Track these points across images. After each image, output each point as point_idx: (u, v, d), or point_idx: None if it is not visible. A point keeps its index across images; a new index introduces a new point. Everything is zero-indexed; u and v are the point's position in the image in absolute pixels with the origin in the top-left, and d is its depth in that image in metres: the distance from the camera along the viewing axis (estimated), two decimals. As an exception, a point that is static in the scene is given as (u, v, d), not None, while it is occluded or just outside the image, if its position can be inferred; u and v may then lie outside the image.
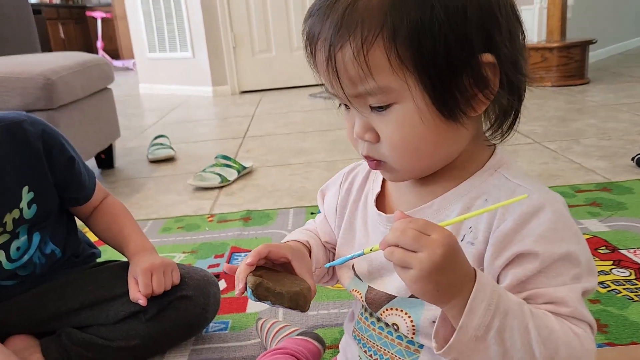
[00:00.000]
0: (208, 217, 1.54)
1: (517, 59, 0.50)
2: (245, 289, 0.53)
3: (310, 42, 0.50)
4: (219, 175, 1.83)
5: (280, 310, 1.01)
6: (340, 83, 0.48)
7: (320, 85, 0.53)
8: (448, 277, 0.43)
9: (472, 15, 0.46)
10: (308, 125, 2.71)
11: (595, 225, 1.26)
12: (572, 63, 3.14)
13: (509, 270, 0.48)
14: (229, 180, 1.84)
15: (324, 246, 0.67)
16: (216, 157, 1.94)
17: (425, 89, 0.47)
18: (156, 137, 2.40)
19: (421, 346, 0.54)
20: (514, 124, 0.53)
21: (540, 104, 2.73)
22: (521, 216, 0.48)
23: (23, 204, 0.83)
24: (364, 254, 0.50)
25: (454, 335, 0.44)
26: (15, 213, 0.82)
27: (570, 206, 1.33)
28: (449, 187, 0.53)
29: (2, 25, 2.35)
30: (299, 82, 4.00)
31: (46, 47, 4.81)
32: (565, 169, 1.72)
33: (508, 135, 0.54)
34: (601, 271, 1.05)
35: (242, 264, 0.55)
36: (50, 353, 0.85)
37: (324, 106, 3.23)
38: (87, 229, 0.99)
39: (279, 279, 0.55)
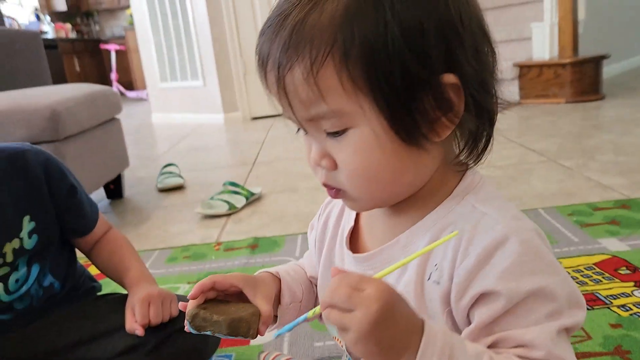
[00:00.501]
0: (215, 246, 1.52)
1: (485, 78, 0.46)
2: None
3: (261, 63, 0.46)
4: (227, 202, 1.81)
5: (285, 343, 0.97)
6: (291, 106, 0.45)
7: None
8: (390, 332, 0.38)
9: (430, 31, 0.42)
10: (318, 149, 2.69)
11: (615, 245, 1.21)
12: (586, 79, 3.09)
13: (475, 311, 0.44)
14: (237, 208, 1.81)
15: (310, 281, 0.63)
16: (224, 184, 1.92)
17: (381, 112, 0.43)
18: (165, 166, 2.39)
19: None
20: (486, 147, 0.49)
21: (554, 120, 2.68)
22: (484, 250, 0.44)
23: (24, 234, 0.81)
24: (308, 319, 0.45)
25: None
26: (16, 243, 0.81)
27: (587, 225, 1.30)
28: (416, 219, 0.50)
29: (14, 60, 2.38)
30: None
31: (62, 81, 4.89)
32: (582, 187, 1.67)
33: (482, 158, 0.49)
34: (622, 293, 1.00)
35: (190, 304, 0.53)
36: (48, 393, 0.82)
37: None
38: (88, 263, 0.96)
39: (224, 308, 0.53)
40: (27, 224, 0.82)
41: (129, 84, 7.93)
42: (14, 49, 2.39)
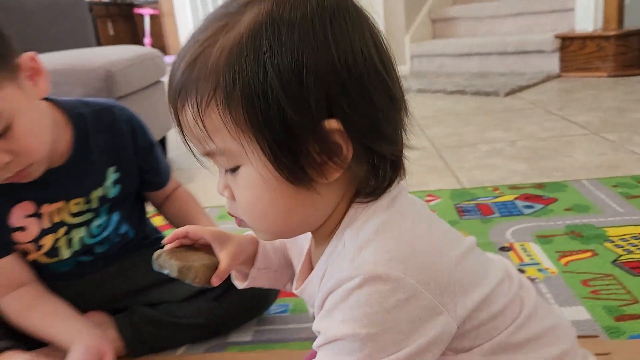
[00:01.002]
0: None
1: (378, 123, 0.45)
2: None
3: (168, 101, 0.48)
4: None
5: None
6: (188, 142, 0.48)
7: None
8: None
9: (310, 80, 0.42)
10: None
11: (661, 217, 1.22)
12: (630, 52, 3.02)
13: None
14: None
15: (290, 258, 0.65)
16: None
17: (264, 154, 0.44)
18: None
19: None
20: (390, 184, 0.49)
21: (596, 94, 2.64)
22: (324, 291, 0.47)
23: (108, 183, 0.88)
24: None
25: None
26: (101, 191, 0.87)
27: (632, 197, 1.31)
28: (321, 251, 0.51)
29: (60, 22, 2.44)
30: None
31: (97, 45, 4.95)
32: (625, 160, 1.66)
33: (389, 187, 0.49)
34: (670, 262, 1.02)
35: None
36: (124, 329, 0.88)
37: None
38: (152, 216, 1.02)
39: (187, 255, 0.60)
40: (112, 175, 0.88)
41: (162, 49, 7.98)
42: (59, 12, 2.45)
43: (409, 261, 0.45)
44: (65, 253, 0.88)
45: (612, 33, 2.99)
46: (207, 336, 0.92)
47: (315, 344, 0.48)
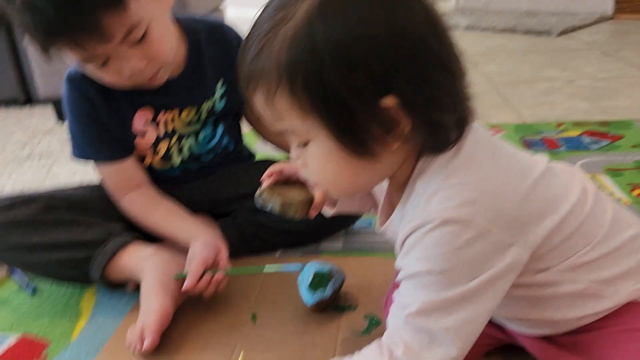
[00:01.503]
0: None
1: (434, 96, 0.48)
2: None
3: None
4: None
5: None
6: (265, 120, 0.53)
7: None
8: None
9: (364, 63, 0.45)
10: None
11: None
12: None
13: None
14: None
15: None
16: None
17: (330, 131, 0.49)
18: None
19: None
20: (461, 135, 0.51)
21: (653, 37, 2.59)
22: (404, 232, 0.52)
23: (216, 96, 0.94)
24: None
25: None
26: (210, 103, 0.94)
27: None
28: (398, 198, 0.56)
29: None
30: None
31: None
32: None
33: (455, 143, 0.51)
34: None
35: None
36: (228, 231, 0.96)
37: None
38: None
39: (287, 191, 0.66)
40: (220, 88, 0.94)
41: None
42: None
43: (476, 203, 0.49)
44: (177, 159, 0.95)
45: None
46: (302, 242, 1.00)
47: (398, 278, 0.54)
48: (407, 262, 0.52)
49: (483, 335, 0.53)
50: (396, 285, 0.55)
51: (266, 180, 0.68)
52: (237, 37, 0.95)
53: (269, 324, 0.81)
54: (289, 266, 0.84)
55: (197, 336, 0.80)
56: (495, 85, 2.00)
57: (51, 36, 0.72)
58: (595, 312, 0.57)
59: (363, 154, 0.50)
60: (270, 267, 0.85)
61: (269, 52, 0.48)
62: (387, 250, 0.98)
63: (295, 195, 0.66)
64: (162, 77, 0.84)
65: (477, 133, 0.54)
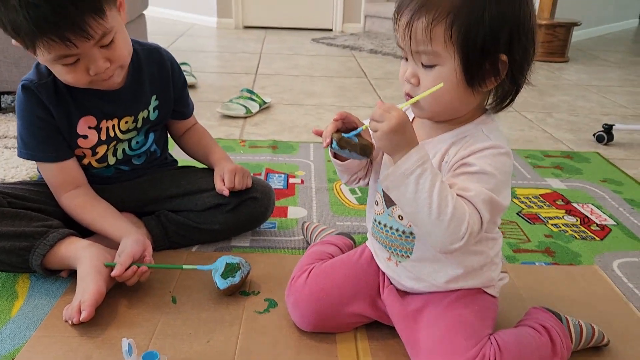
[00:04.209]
0: (240, 142, 1.82)
1: (524, 65, 0.74)
2: (331, 142, 0.76)
3: (399, 9, 0.73)
4: (244, 106, 2.08)
5: (314, 219, 1.31)
6: (410, 40, 0.72)
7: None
8: (398, 138, 0.69)
9: (506, 27, 0.70)
10: (314, 70, 2.95)
11: (557, 184, 1.60)
12: (556, 41, 3.43)
13: (452, 170, 0.75)
14: (252, 112, 2.10)
15: None
16: (241, 90, 2.18)
17: (460, 61, 0.71)
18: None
19: (414, 237, 0.83)
20: (509, 104, 0.78)
21: (523, 76, 3.02)
22: (475, 148, 0.73)
23: (151, 108, 1.12)
24: (363, 128, 0.76)
25: (391, 168, 0.71)
26: (145, 113, 1.11)
27: (538, 167, 1.71)
28: (446, 131, 0.78)
29: None
30: (301, 25, 4.19)
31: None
32: (538, 137, 2.05)
33: (502, 110, 0.78)
34: (555, 216, 1.39)
35: (330, 125, 0.78)
36: (152, 229, 1.13)
37: (326, 52, 3.45)
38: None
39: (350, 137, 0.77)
40: (154, 101, 1.12)
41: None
42: None
43: (507, 143, 0.76)
44: (111, 160, 1.12)
45: (544, 22, 3.37)
46: (215, 239, 1.19)
47: (459, 172, 0.73)
48: (477, 162, 0.72)
49: (355, 314, 0.83)
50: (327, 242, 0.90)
51: (331, 124, 0.78)
52: (170, 58, 1.14)
53: (187, 304, 0.99)
54: (203, 267, 1.03)
55: (125, 313, 0.96)
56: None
57: (43, 31, 0.85)
58: (487, 279, 0.85)
59: (472, 84, 0.72)
60: (187, 266, 1.03)
61: None
62: (287, 248, 1.19)
63: (362, 140, 0.77)
64: (117, 79, 1.00)
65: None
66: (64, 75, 0.95)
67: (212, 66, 3.00)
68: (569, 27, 3.42)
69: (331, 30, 4.32)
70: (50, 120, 1.02)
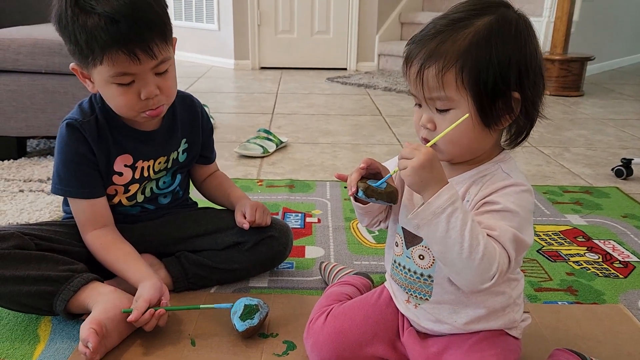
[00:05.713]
0: (257, 182, 1.84)
1: (536, 100, 0.76)
2: (357, 191, 0.77)
3: (408, 58, 0.76)
4: (261, 146, 2.11)
5: (332, 258, 1.31)
6: (422, 89, 0.74)
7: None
8: (427, 175, 0.70)
9: (514, 66, 0.72)
10: (330, 109, 3.00)
11: (577, 220, 1.59)
12: (570, 76, 3.45)
13: (475, 209, 0.76)
14: (269, 152, 2.13)
15: None
16: (258, 130, 2.22)
17: (474, 104, 0.73)
18: (196, 106, 2.66)
19: (432, 279, 0.83)
20: (524, 140, 0.80)
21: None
22: (496, 186, 0.74)
23: (180, 149, 1.17)
24: (392, 174, 0.77)
25: (422, 207, 0.71)
26: (174, 155, 1.16)
27: (557, 203, 1.69)
28: (465, 171, 0.80)
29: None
30: (316, 65, 4.28)
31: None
32: (556, 172, 2.04)
33: (518, 146, 0.80)
34: (576, 253, 1.38)
35: (354, 172, 0.78)
36: (172, 270, 1.14)
37: (341, 91, 3.51)
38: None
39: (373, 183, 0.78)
40: (183, 144, 1.17)
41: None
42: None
43: (526, 180, 0.77)
44: (140, 198, 1.16)
45: (558, 57, 3.40)
46: (234, 280, 1.19)
47: (483, 211, 0.74)
48: (503, 201, 0.73)
49: (374, 356, 0.85)
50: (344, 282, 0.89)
51: (356, 171, 0.78)
52: (201, 105, 1.21)
53: (206, 347, 0.99)
54: (221, 305, 1.03)
55: (146, 357, 0.96)
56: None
57: (117, 43, 0.90)
58: (509, 320, 0.84)
59: (488, 124, 0.74)
60: (205, 306, 1.04)
61: (453, 41, 0.72)
62: (305, 288, 1.19)
63: (387, 187, 0.77)
64: (161, 112, 1.04)
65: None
66: (116, 97, 0.99)
67: (229, 107, 3.06)
68: (582, 61, 3.43)
69: (345, 69, 4.39)
70: (90, 157, 1.06)
